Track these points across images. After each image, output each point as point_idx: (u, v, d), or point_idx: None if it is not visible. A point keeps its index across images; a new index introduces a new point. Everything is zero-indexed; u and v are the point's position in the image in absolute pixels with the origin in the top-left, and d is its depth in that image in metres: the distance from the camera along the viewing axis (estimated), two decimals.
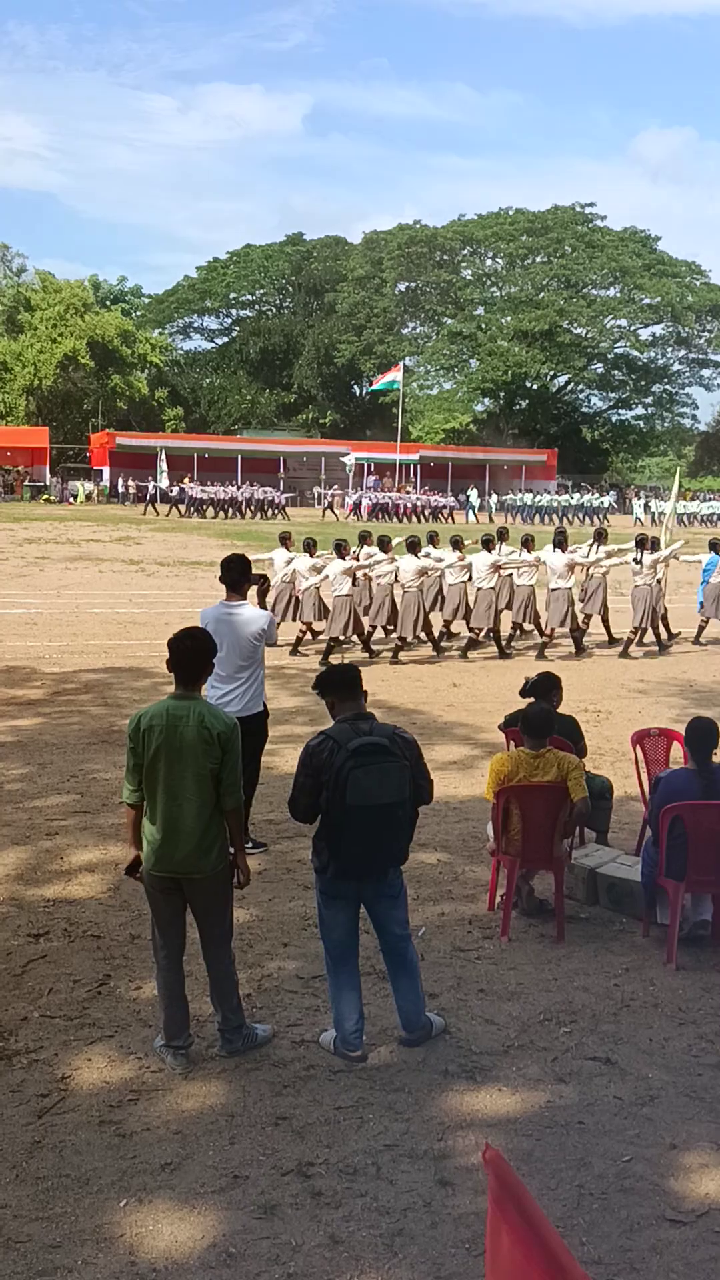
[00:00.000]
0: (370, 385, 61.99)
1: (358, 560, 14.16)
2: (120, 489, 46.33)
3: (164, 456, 49.07)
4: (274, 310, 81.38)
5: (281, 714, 10.77)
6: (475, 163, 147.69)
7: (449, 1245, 3.63)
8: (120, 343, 63.27)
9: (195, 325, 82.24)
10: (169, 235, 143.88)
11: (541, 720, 6.08)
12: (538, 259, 70.29)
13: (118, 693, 11.67)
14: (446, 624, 15.35)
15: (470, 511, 50.37)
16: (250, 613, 6.84)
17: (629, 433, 74.80)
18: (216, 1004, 4.76)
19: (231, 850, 4.65)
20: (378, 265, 71.50)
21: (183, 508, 45.12)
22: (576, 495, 53.56)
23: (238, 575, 6.88)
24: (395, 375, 52.67)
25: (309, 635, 14.77)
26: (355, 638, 14.18)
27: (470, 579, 14.78)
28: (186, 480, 47.31)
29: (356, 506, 47.83)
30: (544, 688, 6.68)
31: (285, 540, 14.76)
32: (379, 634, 15.06)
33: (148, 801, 4.59)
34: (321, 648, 14.46)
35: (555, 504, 51.35)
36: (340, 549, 14.15)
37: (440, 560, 14.86)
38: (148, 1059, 4.69)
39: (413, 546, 14.31)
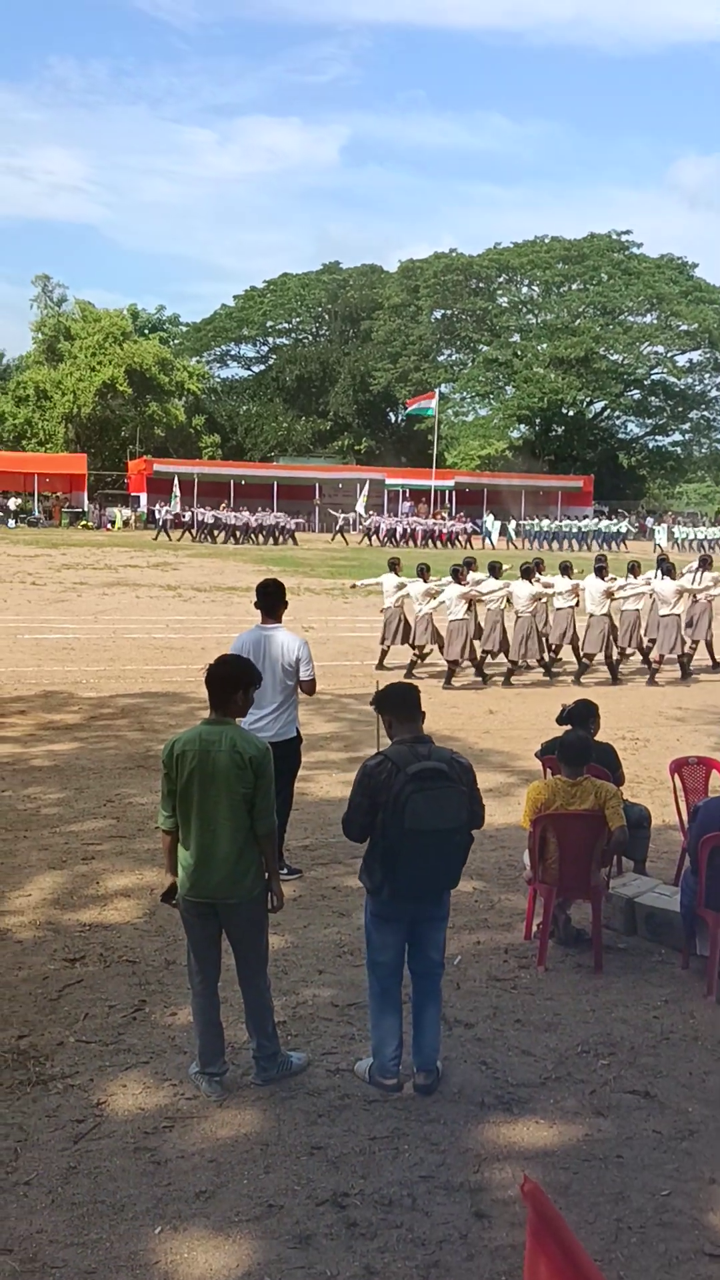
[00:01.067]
0: (405, 408, 62.16)
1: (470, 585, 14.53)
2: (158, 516, 46.80)
3: (177, 483, 49.58)
4: (310, 338, 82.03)
5: (315, 740, 10.79)
6: (511, 192, 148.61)
7: (485, 1278, 3.60)
8: (158, 370, 63.98)
9: (232, 353, 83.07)
10: (207, 265, 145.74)
11: (579, 748, 6.05)
12: (574, 286, 70.45)
13: (154, 718, 11.74)
14: (490, 653, 15.39)
15: (488, 538, 50.28)
16: (285, 638, 6.85)
17: (666, 459, 74.54)
18: (252, 1031, 4.76)
19: (266, 875, 4.66)
20: (414, 293, 71.98)
21: (194, 532, 45.58)
22: (595, 521, 53.35)
23: (274, 600, 6.92)
24: (430, 402, 52.88)
25: (419, 659, 15.13)
26: (468, 662, 14.48)
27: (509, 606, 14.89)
28: (201, 506, 47.64)
29: (371, 532, 47.96)
30: (581, 715, 6.66)
31: (394, 566, 15.44)
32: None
33: (182, 827, 4.61)
34: (408, 669, 14.82)
35: (573, 530, 51.21)
36: (457, 575, 14.48)
37: (550, 586, 15.20)
38: (183, 1086, 4.69)
39: (527, 573, 14.76)
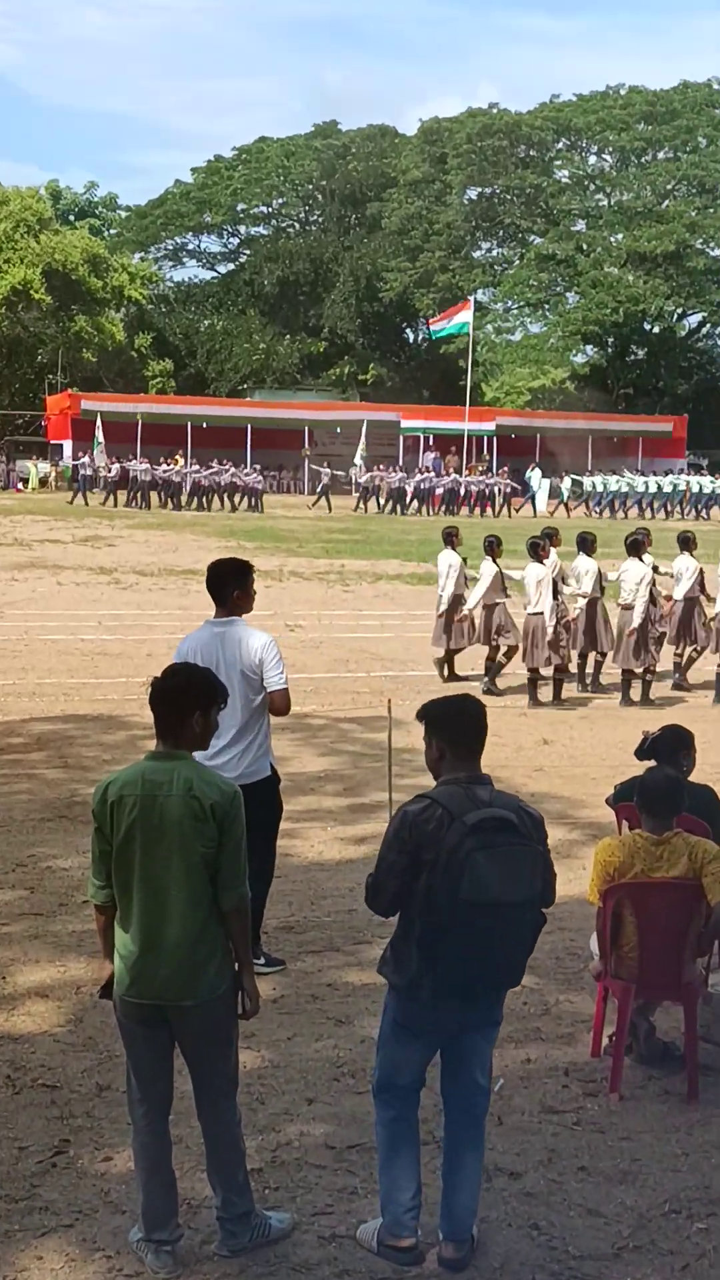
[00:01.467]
0: (429, 329, 62.34)
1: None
2: (87, 470, 47.03)
3: (101, 426, 49.83)
4: (297, 227, 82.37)
5: (303, 780, 10.82)
6: (573, 24, 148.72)
7: None
8: (88, 272, 64.37)
9: (190, 248, 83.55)
10: (155, 126, 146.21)
11: (667, 792, 6.06)
12: (660, 155, 70.65)
13: (81, 750, 11.80)
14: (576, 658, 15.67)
15: (531, 500, 50.49)
16: (244, 634, 6.84)
17: None
18: (216, 1183, 4.77)
19: (235, 967, 4.68)
20: (440, 164, 72.30)
21: (125, 494, 46.09)
22: (685, 477, 53.37)
23: (227, 583, 6.88)
24: (463, 315, 52.99)
25: (503, 657, 15.46)
26: (559, 668, 14.88)
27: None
28: (141, 458, 47.75)
29: (369, 493, 48.20)
30: (670, 747, 6.66)
31: (451, 539, 15.73)
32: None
33: (120, 900, 4.64)
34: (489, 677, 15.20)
35: (655, 488, 51.21)
36: (537, 551, 14.76)
37: (669, 570, 15.65)
38: (121, 1257, 4.71)
39: (635, 547, 15.10)
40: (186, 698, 4.68)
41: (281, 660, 6.90)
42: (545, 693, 14.81)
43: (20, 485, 51.76)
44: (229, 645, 6.78)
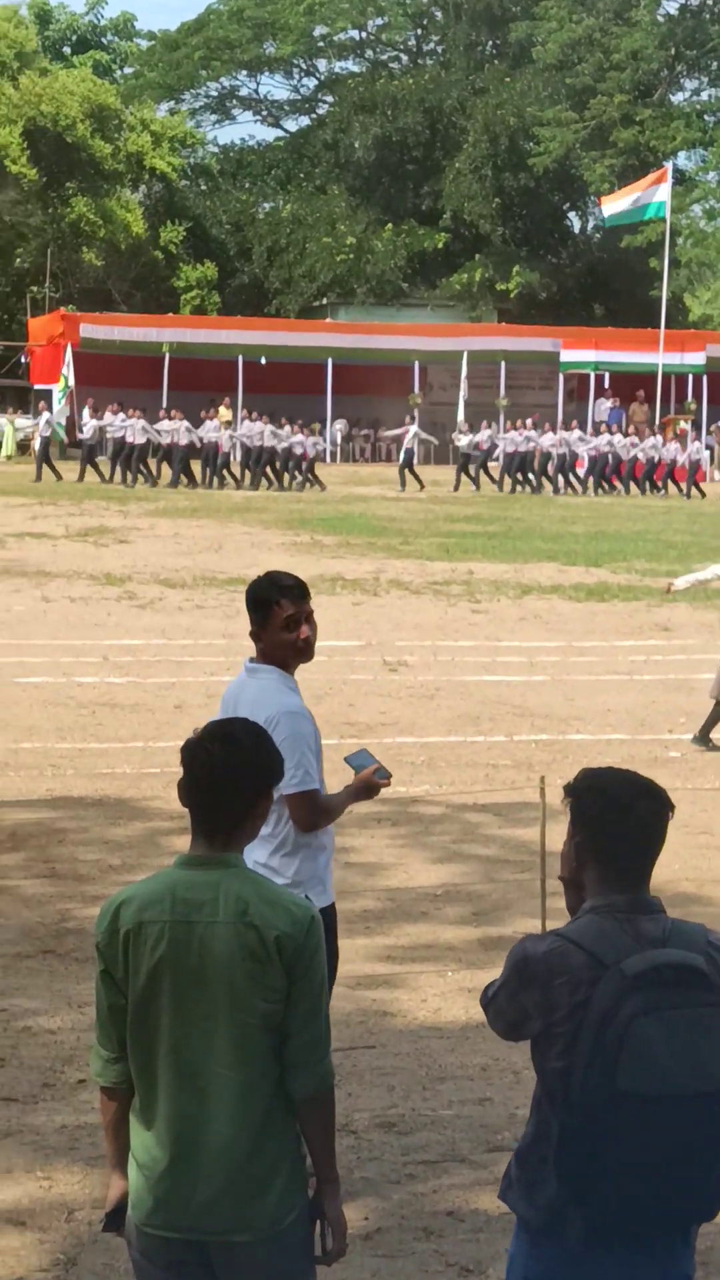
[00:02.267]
0: (602, 213, 62.24)
1: None
2: (88, 430, 47.31)
3: (71, 363, 50.24)
4: (404, 61, 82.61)
5: (409, 899, 10.77)
6: None
7: None
8: (90, 131, 64.99)
9: (243, 94, 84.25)
10: None
11: None
12: None
13: (76, 851, 11.84)
14: None
15: None
16: (261, 691, 6.85)
17: None
18: None
19: (311, 1186, 4.66)
20: None
21: (113, 466, 46.85)
22: None
23: (262, 612, 6.93)
24: (658, 192, 52.78)
25: None
26: None
27: None
28: (126, 412, 47.82)
29: (468, 460, 48.19)
30: None
31: None
32: None
33: (138, 1082, 4.63)
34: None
35: None
36: None
37: None
38: None
39: None
40: (243, 773, 4.67)
41: (303, 745, 6.73)
42: None
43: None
44: (243, 705, 6.75)
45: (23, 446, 53.51)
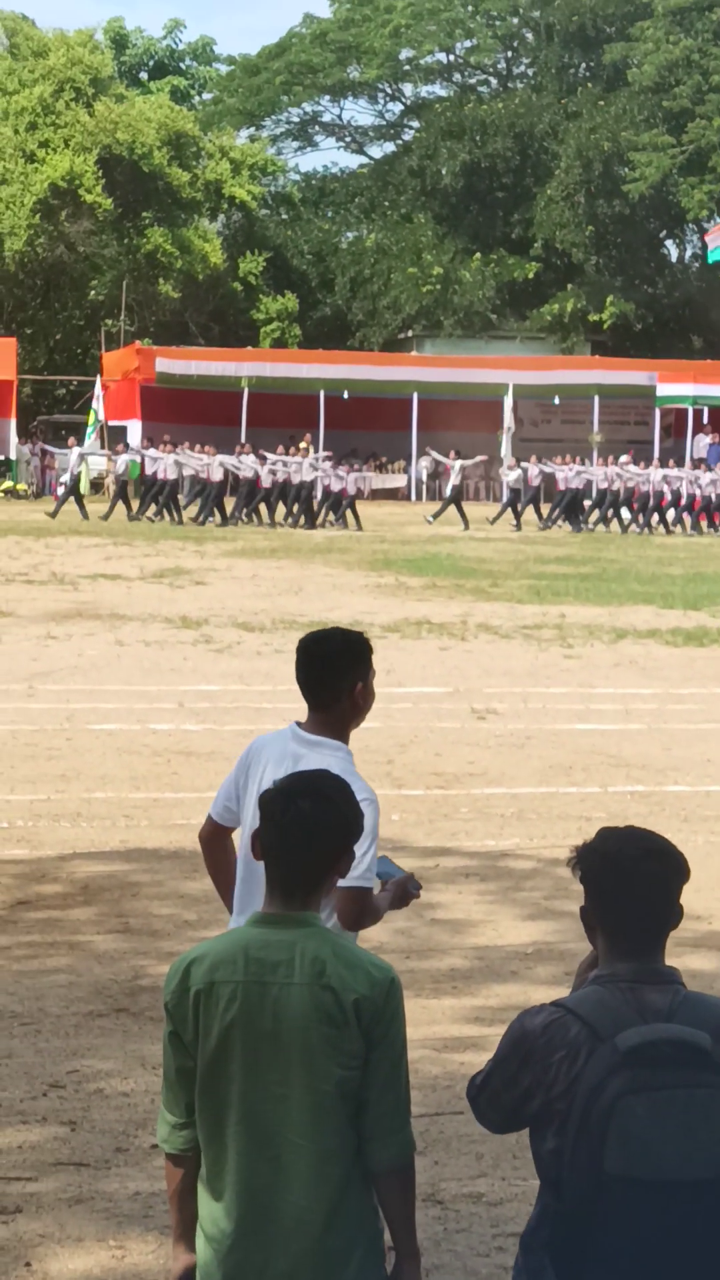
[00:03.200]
0: (707, 246, 62.13)
1: None
2: (158, 468, 47.56)
3: (100, 396, 50.70)
4: (492, 86, 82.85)
5: (498, 958, 10.72)
6: None
7: None
8: (167, 159, 65.42)
9: (326, 120, 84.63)
10: None
11: None
12: None
13: (150, 906, 11.81)
14: None
15: None
16: (332, 766, 6.22)
17: None
18: None
19: (389, 1261, 4.62)
20: None
21: (158, 503, 47.45)
22: None
23: (324, 678, 6.59)
24: None
25: None
26: None
27: None
28: (159, 446, 48.25)
29: (515, 497, 48.37)
30: None
31: None
32: None
33: (208, 1150, 4.61)
34: None
35: None
36: None
37: None
38: None
39: None
40: (333, 831, 4.66)
41: (374, 838, 6.31)
42: None
43: (61, 488, 52.69)
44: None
45: (95, 485, 53.78)
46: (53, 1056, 9.14)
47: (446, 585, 31.91)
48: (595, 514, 50.03)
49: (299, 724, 6.70)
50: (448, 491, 49.13)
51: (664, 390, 56.94)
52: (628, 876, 4.48)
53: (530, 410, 58.43)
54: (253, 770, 6.60)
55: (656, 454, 53.44)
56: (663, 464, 50.93)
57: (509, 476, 49.90)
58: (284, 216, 78.67)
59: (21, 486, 52.25)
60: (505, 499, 49.97)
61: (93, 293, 66.93)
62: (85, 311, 67.93)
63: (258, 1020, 4.52)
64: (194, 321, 68.31)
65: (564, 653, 24.27)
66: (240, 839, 6.18)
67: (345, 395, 54.75)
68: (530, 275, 73.82)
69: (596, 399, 55.38)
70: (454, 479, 48.82)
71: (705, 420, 56.55)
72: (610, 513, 49.69)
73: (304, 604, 28.50)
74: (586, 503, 49.91)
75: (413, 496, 53.66)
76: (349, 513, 46.91)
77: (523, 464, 49.58)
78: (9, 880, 12.30)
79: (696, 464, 51.47)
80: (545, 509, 49.78)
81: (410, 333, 71.76)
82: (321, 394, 54.48)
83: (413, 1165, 4.63)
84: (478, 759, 16.72)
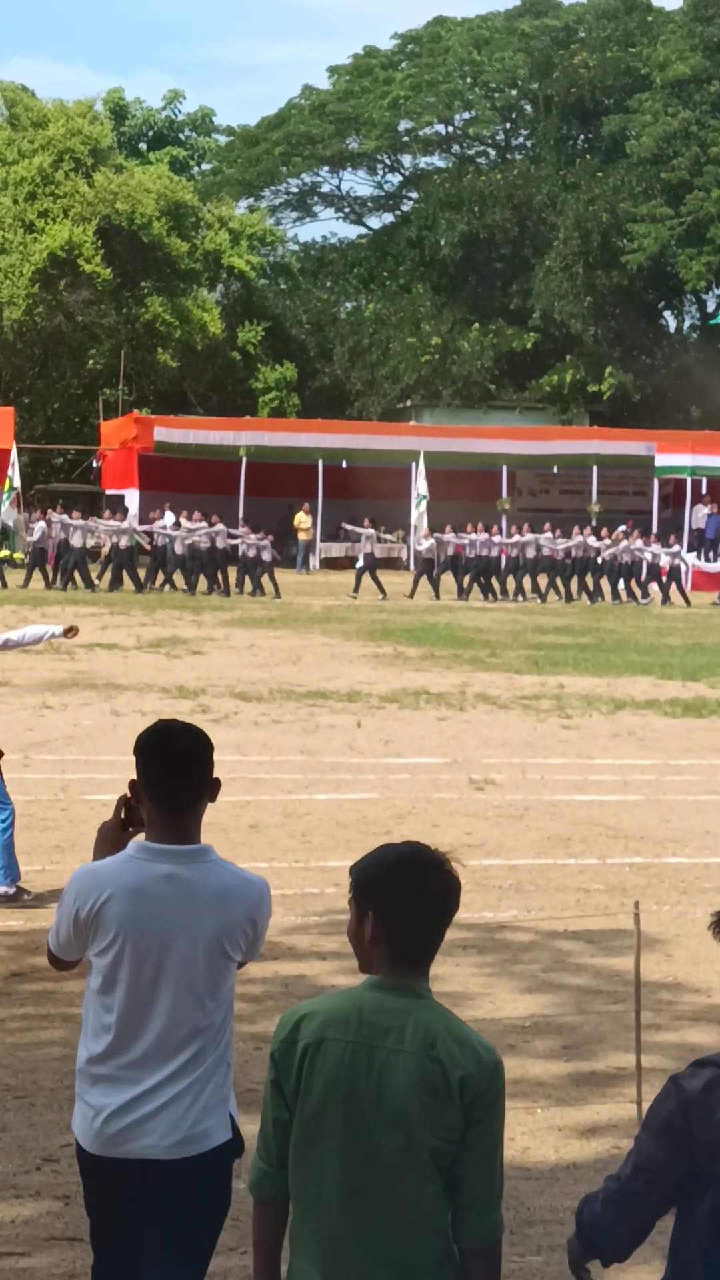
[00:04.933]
0: (713, 315, 62.36)
1: None
2: (36, 533, 47.73)
3: (16, 463, 51.26)
4: (491, 157, 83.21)
5: (497, 1031, 10.68)
6: None
7: None
8: (166, 228, 65.66)
9: (325, 190, 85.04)
10: (270, 4, 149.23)
11: None
12: None
13: None
14: None
15: None
16: (220, 876, 6.06)
17: None
18: None
19: None
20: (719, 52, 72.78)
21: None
22: None
23: (187, 780, 6.08)
24: None
25: None
26: None
27: None
28: (70, 514, 48.77)
29: (430, 565, 48.55)
30: None
31: None
32: None
33: (296, 1202, 4.65)
34: None
35: None
36: None
37: None
38: None
39: None
40: (453, 902, 4.70)
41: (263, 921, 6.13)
42: None
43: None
44: (193, 900, 5.93)
45: (93, 554, 53.96)
46: (46, 1130, 9.14)
47: (444, 655, 31.97)
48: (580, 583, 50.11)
49: (145, 848, 6.01)
50: (360, 562, 49.35)
51: (662, 460, 57.02)
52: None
53: (529, 480, 58.61)
54: (101, 920, 5.85)
55: (655, 524, 53.54)
56: (662, 534, 51.11)
57: (421, 546, 50.25)
58: (283, 286, 78.92)
59: (19, 555, 52.27)
60: (418, 569, 50.12)
61: (91, 362, 67.09)
62: (84, 380, 68.10)
63: (363, 1082, 4.57)
64: (192, 391, 68.47)
65: (562, 723, 24.31)
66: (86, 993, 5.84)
67: (344, 464, 54.83)
68: (529, 346, 73.81)
69: (595, 469, 55.48)
70: (364, 548, 49.18)
71: (704, 490, 56.64)
72: (529, 581, 49.66)
73: (302, 674, 28.56)
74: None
75: (411, 566, 53.63)
76: (265, 579, 47.14)
77: (435, 534, 49.81)
78: (4, 952, 12.33)
79: (695, 534, 51.66)
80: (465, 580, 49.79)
81: (409, 402, 71.84)
82: (320, 463, 54.54)
83: (500, 1246, 4.68)
84: (475, 830, 16.72)
